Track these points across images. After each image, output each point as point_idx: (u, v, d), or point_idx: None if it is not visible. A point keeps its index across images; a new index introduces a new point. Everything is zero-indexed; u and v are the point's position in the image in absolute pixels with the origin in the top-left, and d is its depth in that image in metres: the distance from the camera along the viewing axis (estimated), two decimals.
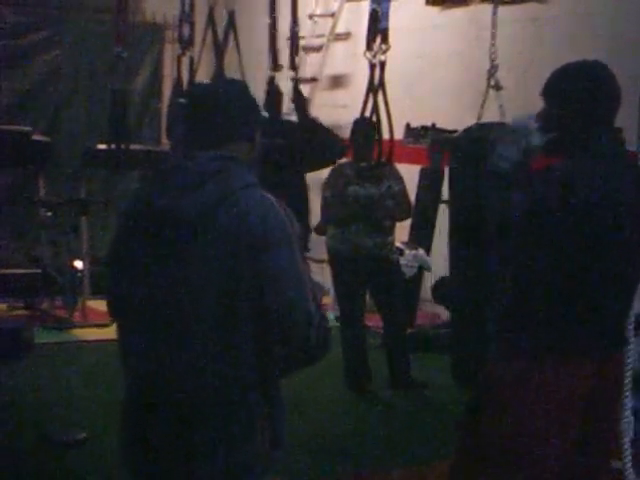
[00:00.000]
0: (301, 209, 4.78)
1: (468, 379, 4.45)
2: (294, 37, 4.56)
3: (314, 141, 4.57)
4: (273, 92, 4.74)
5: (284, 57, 8.80)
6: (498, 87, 4.53)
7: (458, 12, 7.21)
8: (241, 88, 2.32)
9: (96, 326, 6.43)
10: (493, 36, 4.39)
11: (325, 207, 5.38)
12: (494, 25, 4.39)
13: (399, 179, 5.37)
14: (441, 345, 5.84)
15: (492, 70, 4.49)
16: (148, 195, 2.23)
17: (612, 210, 2.45)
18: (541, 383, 2.45)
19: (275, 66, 4.32)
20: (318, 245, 6.38)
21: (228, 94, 2.26)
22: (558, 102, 2.58)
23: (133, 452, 2.26)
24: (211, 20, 4.03)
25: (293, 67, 4.58)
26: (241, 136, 2.25)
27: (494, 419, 2.52)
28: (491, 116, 4.86)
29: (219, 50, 4.44)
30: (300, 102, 4.64)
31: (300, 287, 2.12)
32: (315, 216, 5.67)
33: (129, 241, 2.24)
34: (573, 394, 2.46)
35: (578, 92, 2.55)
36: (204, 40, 4.54)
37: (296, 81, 4.37)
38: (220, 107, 2.24)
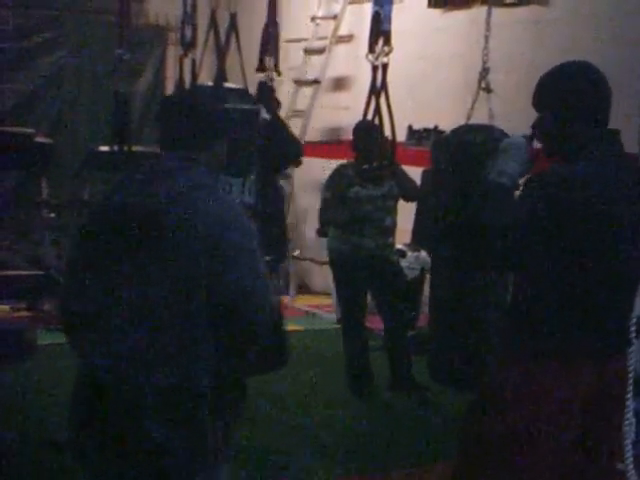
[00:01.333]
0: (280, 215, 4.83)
1: (445, 379, 4.47)
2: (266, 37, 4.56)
3: (280, 141, 4.58)
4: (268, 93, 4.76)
5: (288, 58, 8.85)
6: (488, 90, 4.54)
7: (460, 14, 7.22)
8: (218, 96, 2.39)
9: None
10: (486, 38, 4.41)
11: (325, 209, 5.38)
12: (488, 27, 4.40)
13: (398, 172, 5.39)
14: None
15: (483, 73, 4.50)
16: (110, 193, 2.33)
17: (613, 213, 2.44)
18: (543, 386, 2.45)
19: (261, 67, 4.34)
20: (319, 247, 6.39)
21: (203, 101, 2.38)
22: (553, 105, 2.55)
23: (84, 444, 2.29)
24: (213, 22, 4.04)
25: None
26: (209, 143, 2.34)
27: (496, 421, 2.52)
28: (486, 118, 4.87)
29: (221, 52, 4.44)
30: (272, 101, 4.66)
31: (259, 286, 2.20)
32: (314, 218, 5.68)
33: (88, 236, 2.31)
34: (575, 396, 2.46)
35: (573, 93, 2.52)
36: (206, 42, 4.56)
37: (271, 81, 4.41)
38: (192, 113, 2.34)
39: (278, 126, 4.66)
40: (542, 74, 2.60)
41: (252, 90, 4.24)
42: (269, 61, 4.51)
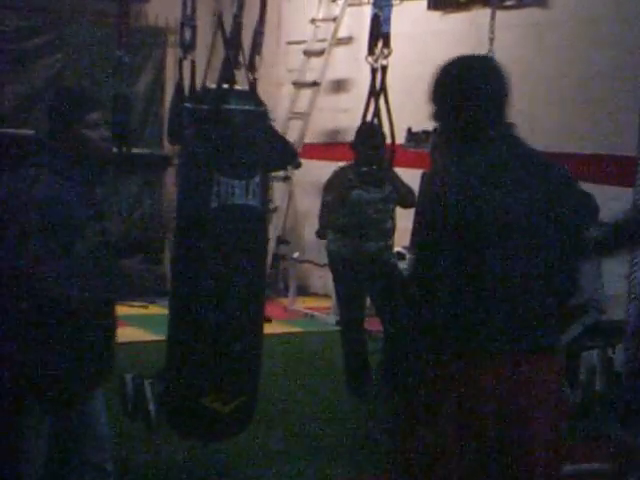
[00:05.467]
0: None
1: (393, 380, 4.48)
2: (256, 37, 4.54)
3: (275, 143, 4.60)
4: None
5: (287, 60, 8.85)
6: None
7: (459, 17, 7.23)
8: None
9: None
10: (490, 41, 4.42)
11: (326, 211, 5.38)
12: (491, 30, 4.41)
13: (394, 177, 5.40)
14: None
15: None
16: None
17: (507, 206, 2.39)
18: (448, 383, 2.40)
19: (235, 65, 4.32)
20: (319, 249, 6.39)
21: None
22: (440, 98, 2.58)
23: None
24: (220, 24, 4.03)
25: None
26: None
27: (408, 420, 2.50)
28: None
29: (228, 54, 4.43)
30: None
31: None
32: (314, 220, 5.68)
33: None
34: (482, 394, 2.38)
35: (458, 88, 2.54)
36: (213, 44, 4.57)
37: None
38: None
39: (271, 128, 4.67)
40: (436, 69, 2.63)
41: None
42: (259, 60, 4.50)
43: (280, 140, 4.68)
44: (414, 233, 2.59)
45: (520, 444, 2.43)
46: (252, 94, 3.63)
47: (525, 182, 2.45)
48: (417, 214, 2.54)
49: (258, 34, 4.31)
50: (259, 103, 3.67)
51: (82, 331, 2.76)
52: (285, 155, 4.80)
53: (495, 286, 2.40)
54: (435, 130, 6.78)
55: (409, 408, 2.52)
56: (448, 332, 2.41)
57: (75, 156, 2.79)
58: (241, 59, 3.92)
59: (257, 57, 4.19)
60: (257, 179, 3.51)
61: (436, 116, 2.61)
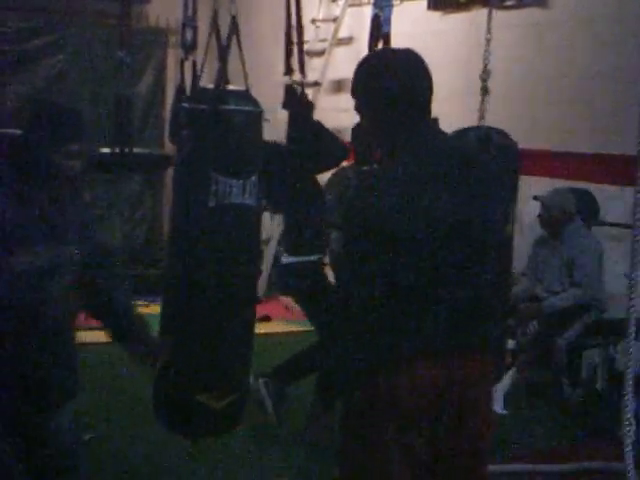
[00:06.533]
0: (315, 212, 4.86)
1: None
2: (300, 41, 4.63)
3: (319, 144, 4.61)
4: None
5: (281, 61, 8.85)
6: (485, 91, 4.55)
7: (459, 17, 7.24)
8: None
9: (98, 329, 6.45)
10: (487, 41, 4.41)
11: (326, 210, 5.38)
12: (489, 30, 4.41)
13: None
14: None
15: (484, 75, 4.51)
16: None
17: (435, 206, 2.31)
18: (379, 385, 2.34)
19: (288, 70, 4.39)
20: None
21: None
22: (364, 96, 2.48)
23: None
24: (215, 24, 4.06)
25: (302, 71, 4.65)
26: None
27: (345, 425, 2.46)
28: (492, 120, 4.88)
29: (223, 54, 4.46)
30: (305, 106, 4.71)
31: None
32: None
33: None
34: (414, 394, 2.32)
35: (381, 84, 2.44)
36: (208, 44, 4.59)
37: (302, 85, 4.44)
38: None
39: (319, 128, 4.69)
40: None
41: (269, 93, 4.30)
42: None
43: (330, 137, 4.69)
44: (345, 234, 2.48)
45: (454, 443, 2.38)
46: (248, 94, 3.66)
47: (452, 181, 2.37)
48: (346, 217, 2.44)
49: (299, 41, 4.40)
50: (256, 104, 3.69)
51: (43, 345, 2.76)
52: (337, 153, 4.80)
53: (426, 288, 2.33)
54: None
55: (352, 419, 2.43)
56: (382, 336, 2.33)
57: (39, 180, 2.71)
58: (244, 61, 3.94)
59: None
60: (254, 178, 3.53)
61: (358, 111, 2.52)
